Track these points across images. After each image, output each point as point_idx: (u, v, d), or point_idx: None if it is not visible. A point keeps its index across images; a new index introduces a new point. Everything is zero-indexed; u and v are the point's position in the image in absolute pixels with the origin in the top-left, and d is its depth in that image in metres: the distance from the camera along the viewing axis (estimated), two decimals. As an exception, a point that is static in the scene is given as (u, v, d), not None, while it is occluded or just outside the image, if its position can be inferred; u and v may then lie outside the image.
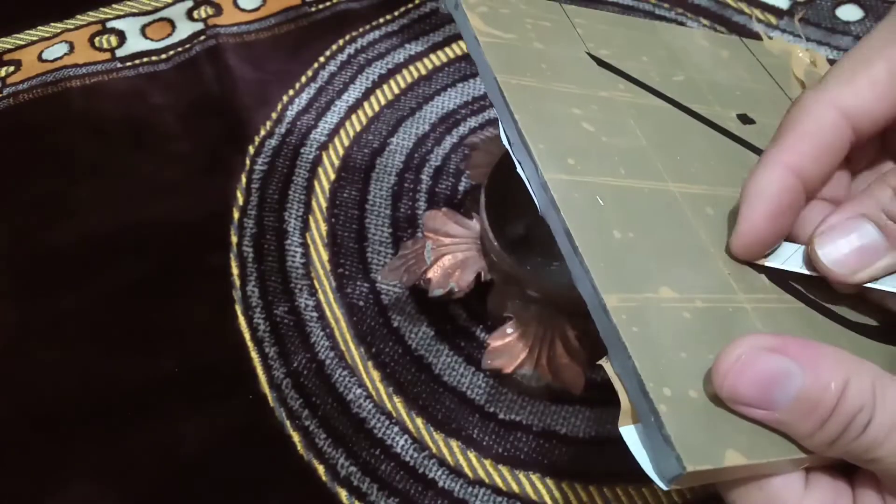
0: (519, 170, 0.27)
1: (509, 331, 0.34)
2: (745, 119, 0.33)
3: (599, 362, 0.23)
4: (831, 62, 0.36)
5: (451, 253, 0.36)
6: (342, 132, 0.45)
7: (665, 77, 0.33)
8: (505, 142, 0.28)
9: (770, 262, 0.25)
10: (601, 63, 0.32)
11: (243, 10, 0.51)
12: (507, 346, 0.34)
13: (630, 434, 0.21)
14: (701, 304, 0.24)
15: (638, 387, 0.21)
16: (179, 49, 0.49)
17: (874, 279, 0.23)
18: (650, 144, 0.29)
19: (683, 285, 0.24)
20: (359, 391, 0.37)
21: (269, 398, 0.36)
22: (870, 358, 0.22)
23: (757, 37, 0.39)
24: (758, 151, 0.31)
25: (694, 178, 0.28)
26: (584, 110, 0.29)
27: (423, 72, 0.48)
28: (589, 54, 0.33)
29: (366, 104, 0.47)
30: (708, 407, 0.21)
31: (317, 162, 0.44)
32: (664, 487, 0.20)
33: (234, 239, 0.41)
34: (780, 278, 0.26)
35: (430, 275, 0.35)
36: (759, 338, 0.20)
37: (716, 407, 0.21)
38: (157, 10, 0.51)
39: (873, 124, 0.24)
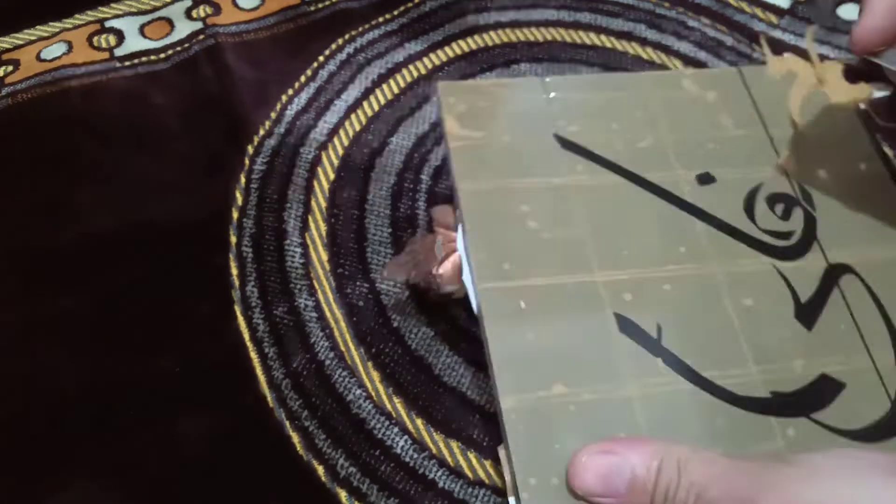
0: (465, 273, 0.32)
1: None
2: (704, 178, 0.36)
3: (498, 448, 0.30)
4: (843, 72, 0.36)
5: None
6: (341, 132, 0.45)
7: (629, 144, 0.36)
8: (460, 248, 0.33)
9: (884, 62, 0.29)
10: (565, 144, 0.36)
11: (242, 10, 0.51)
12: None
13: None
14: (588, 397, 0.29)
15: (511, 475, 0.28)
16: (178, 48, 0.49)
17: None
18: (591, 233, 0.33)
19: (575, 379, 0.30)
20: (358, 392, 0.37)
21: (269, 398, 0.36)
22: (746, 428, 0.29)
23: (759, 42, 0.40)
24: (706, 216, 0.35)
25: (623, 264, 0.32)
26: (532, 206, 0.33)
27: (423, 71, 0.48)
28: (555, 136, 0.36)
29: (365, 104, 0.47)
30: (565, 492, 0.27)
31: (316, 162, 0.44)
32: None
33: (234, 239, 0.41)
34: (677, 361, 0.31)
35: (440, 270, 0.35)
36: (595, 445, 0.27)
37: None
38: (155, 9, 0.51)
39: None
